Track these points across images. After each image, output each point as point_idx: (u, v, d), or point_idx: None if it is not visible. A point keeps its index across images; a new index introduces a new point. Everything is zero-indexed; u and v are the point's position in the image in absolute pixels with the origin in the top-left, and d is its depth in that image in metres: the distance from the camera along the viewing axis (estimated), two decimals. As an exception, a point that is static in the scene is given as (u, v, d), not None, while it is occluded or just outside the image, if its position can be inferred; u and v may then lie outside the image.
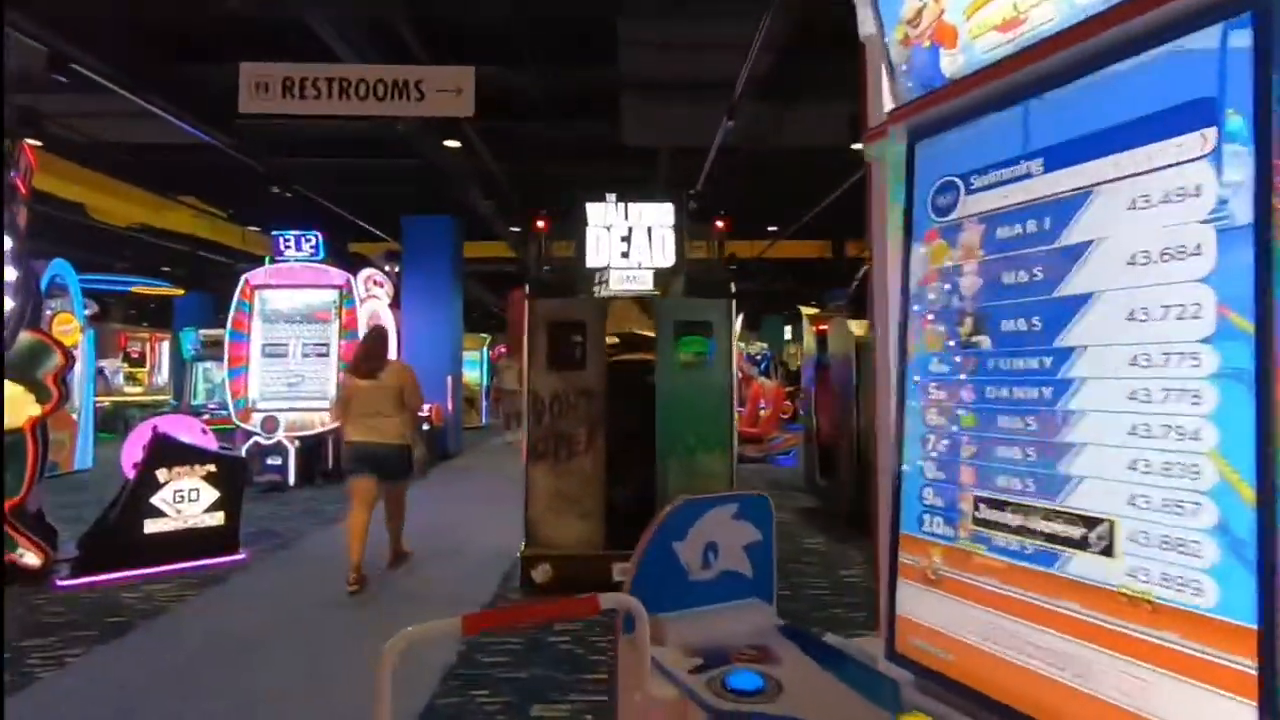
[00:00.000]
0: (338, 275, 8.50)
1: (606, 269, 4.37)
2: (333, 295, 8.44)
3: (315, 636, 3.41)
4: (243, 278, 8.43)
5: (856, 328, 6.02)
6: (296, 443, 7.81)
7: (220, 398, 12.60)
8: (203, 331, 12.99)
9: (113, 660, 3.15)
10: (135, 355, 16.36)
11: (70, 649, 3.23)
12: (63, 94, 8.57)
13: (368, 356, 4.34)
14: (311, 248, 8.57)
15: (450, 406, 10.39)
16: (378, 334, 4.62)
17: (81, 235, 13.24)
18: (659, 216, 4.42)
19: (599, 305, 4.24)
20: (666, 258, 4.40)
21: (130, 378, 15.79)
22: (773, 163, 11.82)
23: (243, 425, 7.90)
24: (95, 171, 11.95)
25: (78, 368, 8.32)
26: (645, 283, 4.38)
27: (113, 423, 13.57)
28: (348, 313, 8.39)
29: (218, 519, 4.72)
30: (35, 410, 4.31)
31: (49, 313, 8.74)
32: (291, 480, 7.64)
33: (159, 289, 17.91)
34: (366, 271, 9.43)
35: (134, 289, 17.17)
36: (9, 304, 3.71)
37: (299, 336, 8.35)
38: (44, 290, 8.48)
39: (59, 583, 4.18)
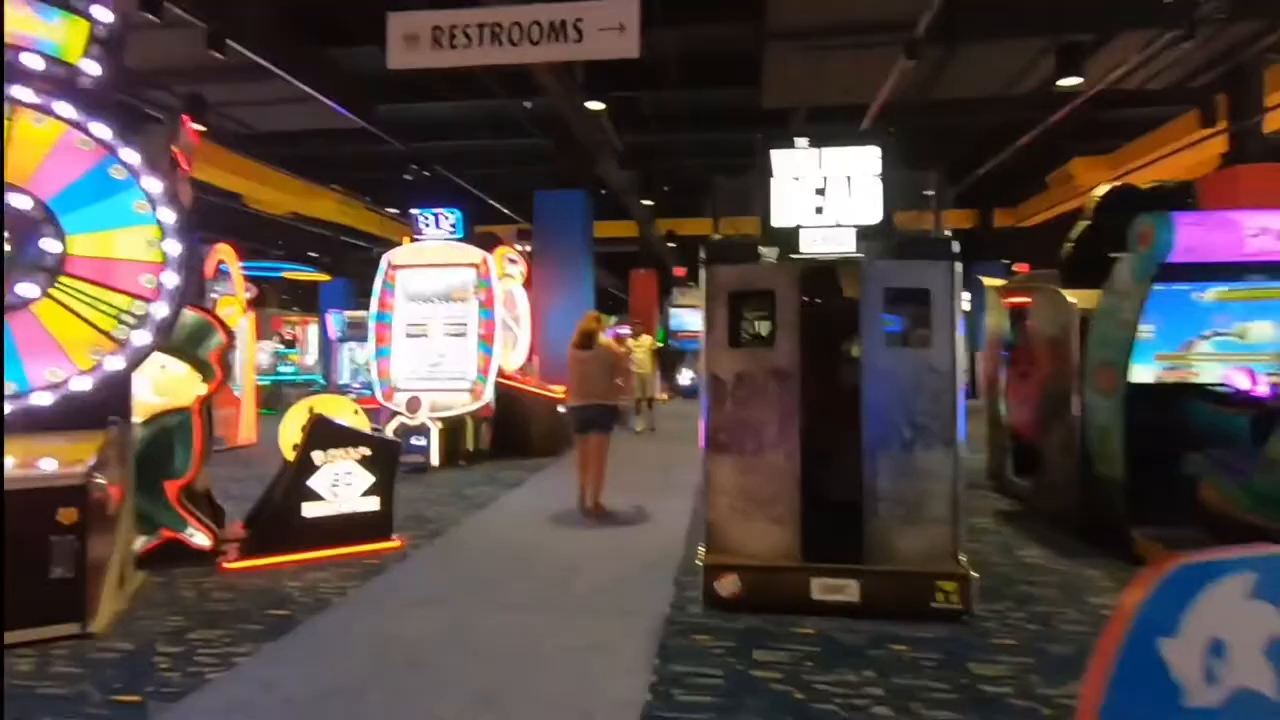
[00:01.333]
0: (475, 254, 8.32)
1: (796, 229, 3.68)
2: (471, 274, 8.27)
3: (485, 649, 3.02)
4: (384, 258, 8.43)
5: (1079, 298, 4.98)
6: (439, 423, 7.72)
7: (365, 377, 13.09)
8: (347, 313, 13.50)
9: (279, 665, 2.89)
10: (288, 337, 17.42)
11: (237, 646, 3.01)
12: (221, 83, 8.95)
13: (583, 333, 5.49)
14: (451, 225, 8.44)
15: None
16: (594, 315, 5.76)
17: (240, 223, 14.15)
18: (861, 163, 3.67)
19: (790, 271, 3.57)
20: (871, 212, 3.65)
21: (284, 358, 16.81)
22: (931, 124, 10.59)
23: (388, 405, 7.92)
24: (251, 161, 12.66)
25: (240, 348, 8.64)
26: (844, 243, 3.65)
27: (271, 400, 14.45)
28: (486, 292, 8.19)
29: (373, 504, 4.51)
30: (201, 389, 4.23)
31: (214, 296, 9.21)
32: (435, 461, 7.55)
33: (307, 274, 19.02)
34: (502, 249, 9.24)
35: (285, 274, 18.31)
36: (174, 279, 3.58)
37: (439, 316, 8.27)
38: (209, 274, 8.92)
39: (225, 565, 4.09)
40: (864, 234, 3.62)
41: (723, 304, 3.62)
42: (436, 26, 4.00)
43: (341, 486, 4.40)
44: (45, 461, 3.09)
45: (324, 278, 20.59)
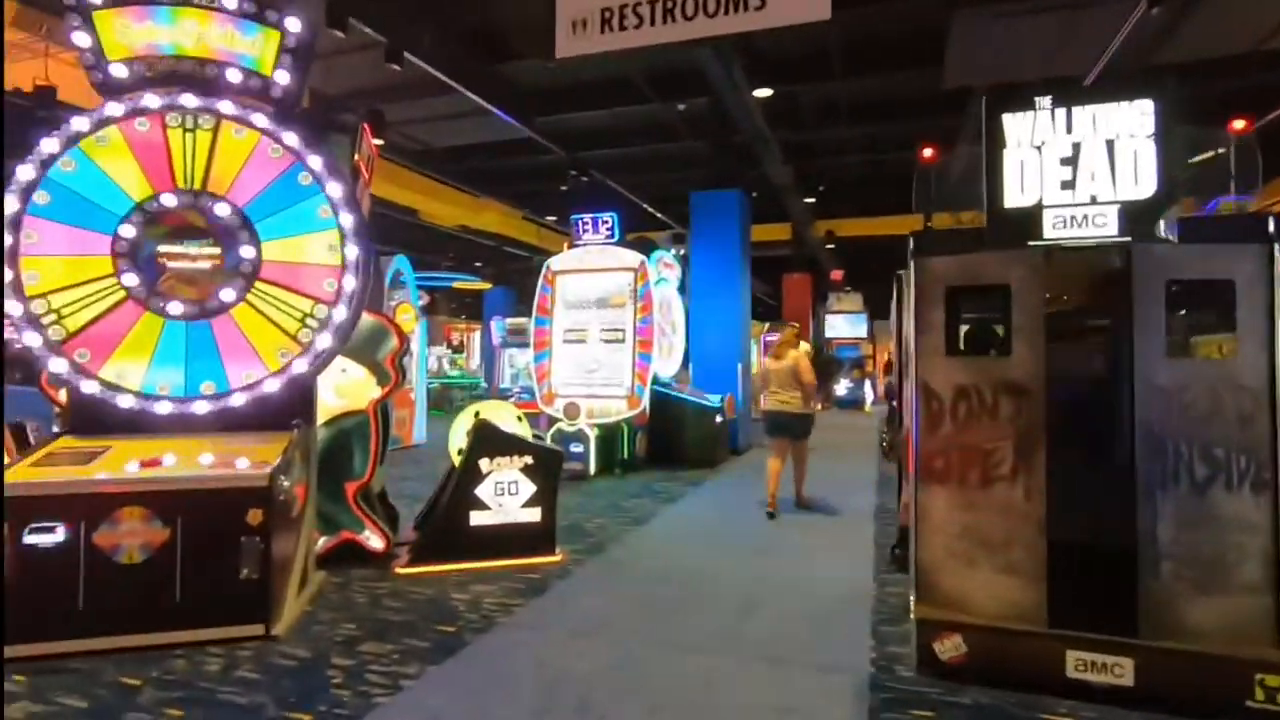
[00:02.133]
0: (632, 258, 8.13)
1: (1037, 207, 2.98)
2: (628, 279, 8.09)
3: (660, 699, 2.64)
4: (545, 263, 8.49)
5: None
6: (595, 430, 7.59)
7: (524, 381, 13.53)
8: (508, 320, 14.02)
9: (445, 693, 2.69)
10: (455, 343, 18.56)
11: (406, 666, 2.87)
12: (398, 101, 9.53)
13: (780, 343, 6.11)
14: (608, 229, 8.33)
15: (740, 397, 9.58)
16: (794, 329, 6.50)
17: (415, 236, 15.18)
18: (1127, 123, 2.90)
19: (1031, 261, 2.89)
20: (1141, 185, 2.86)
21: (452, 362, 17.91)
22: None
23: (546, 409, 7.93)
24: (425, 177, 13.51)
25: (413, 352, 9.05)
26: (1104, 225, 2.90)
27: (439, 401, 15.35)
28: (643, 297, 7.97)
29: (535, 515, 4.34)
30: (376, 392, 4.26)
31: (392, 304, 9.81)
32: (592, 469, 7.41)
33: (473, 284, 20.18)
34: (658, 254, 9.01)
35: (454, 284, 19.54)
36: (354, 283, 3.59)
37: (597, 322, 8.17)
38: (387, 283, 9.50)
39: (398, 569, 4.08)
40: (1134, 212, 2.84)
41: (938, 302, 3.00)
42: (606, 9, 3.77)
43: (506, 496, 4.26)
44: (240, 461, 3.15)
45: (487, 286, 21.78)
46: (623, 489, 6.84)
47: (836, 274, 19.08)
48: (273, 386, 3.49)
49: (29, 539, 2.80)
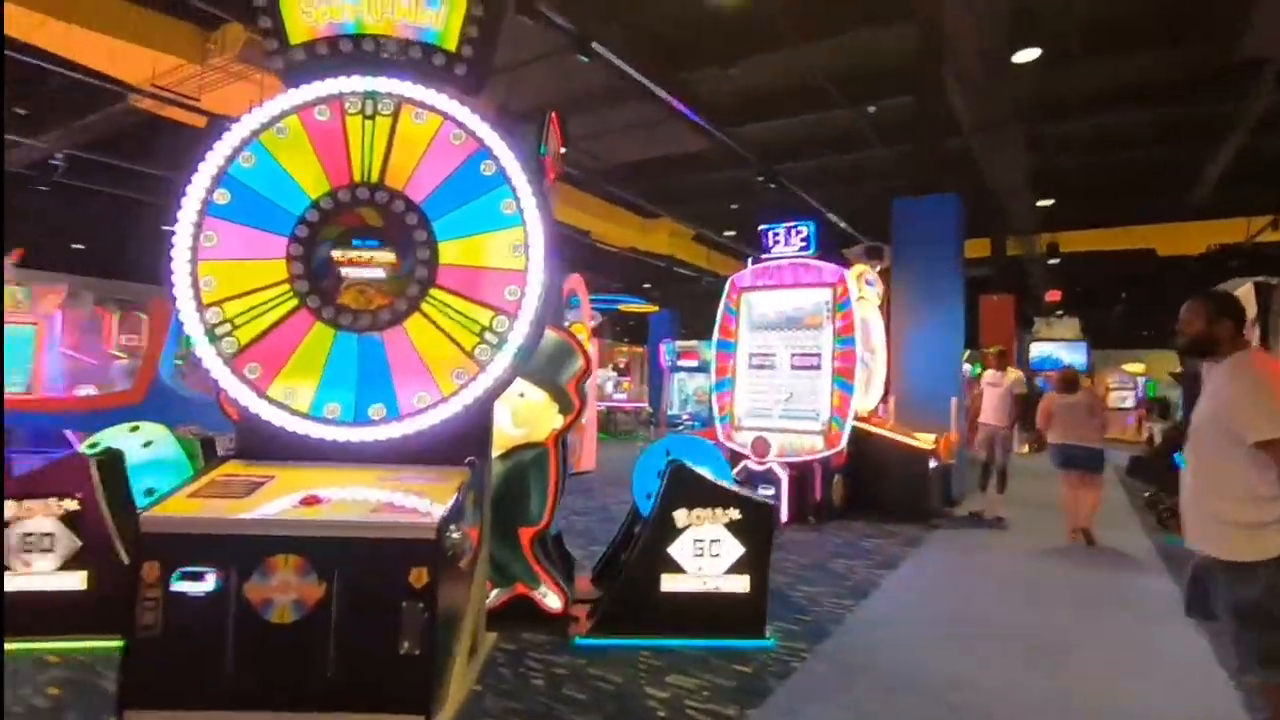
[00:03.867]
0: (831, 272, 7.08)
1: None
2: (825, 296, 7.04)
3: None
4: (729, 280, 7.67)
5: None
6: (788, 470, 6.58)
7: (694, 408, 12.83)
8: (679, 343, 13.41)
9: None
10: (621, 366, 18.33)
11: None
12: (571, 115, 9.32)
13: (1065, 379, 6.44)
14: (802, 240, 7.34)
15: (956, 438, 8.07)
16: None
17: (586, 257, 15.14)
18: None
19: None
20: None
21: (617, 385, 17.64)
22: None
23: (729, 444, 7.05)
24: (597, 199, 13.38)
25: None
26: None
27: (605, 425, 15.04)
28: (843, 316, 6.88)
29: (741, 584, 3.45)
30: (558, 421, 3.64)
31: (566, 325, 9.53)
32: (783, 516, 6.40)
33: (639, 306, 19.99)
34: (858, 268, 7.88)
35: (620, 307, 19.45)
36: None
37: (787, 345, 7.19)
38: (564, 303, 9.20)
39: (577, 636, 3.37)
40: None
41: None
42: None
43: (706, 557, 3.43)
44: (405, 502, 2.59)
45: (653, 309, 21.52)
46: (823, 544, 5.76)
47: (1054, 294, 16.47)
48: (446, 413, 2.93)
49: (178, 586, 2.37)
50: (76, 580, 3.26)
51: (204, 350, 2.90)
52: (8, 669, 2.96)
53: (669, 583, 3.40)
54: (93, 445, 3.72)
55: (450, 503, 2.56)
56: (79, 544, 3.28)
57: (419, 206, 3.01)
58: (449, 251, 3.01)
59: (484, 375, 2.95)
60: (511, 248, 3.03)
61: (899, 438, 7.31)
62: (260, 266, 2.93)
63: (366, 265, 2.99)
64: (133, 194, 10.02)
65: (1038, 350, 19.56)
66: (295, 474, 2.80)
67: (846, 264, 8.08)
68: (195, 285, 2.89)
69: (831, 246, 10.17)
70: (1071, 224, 13.48)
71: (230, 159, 2.96)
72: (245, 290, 2.91)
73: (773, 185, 10.05)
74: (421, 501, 2.59)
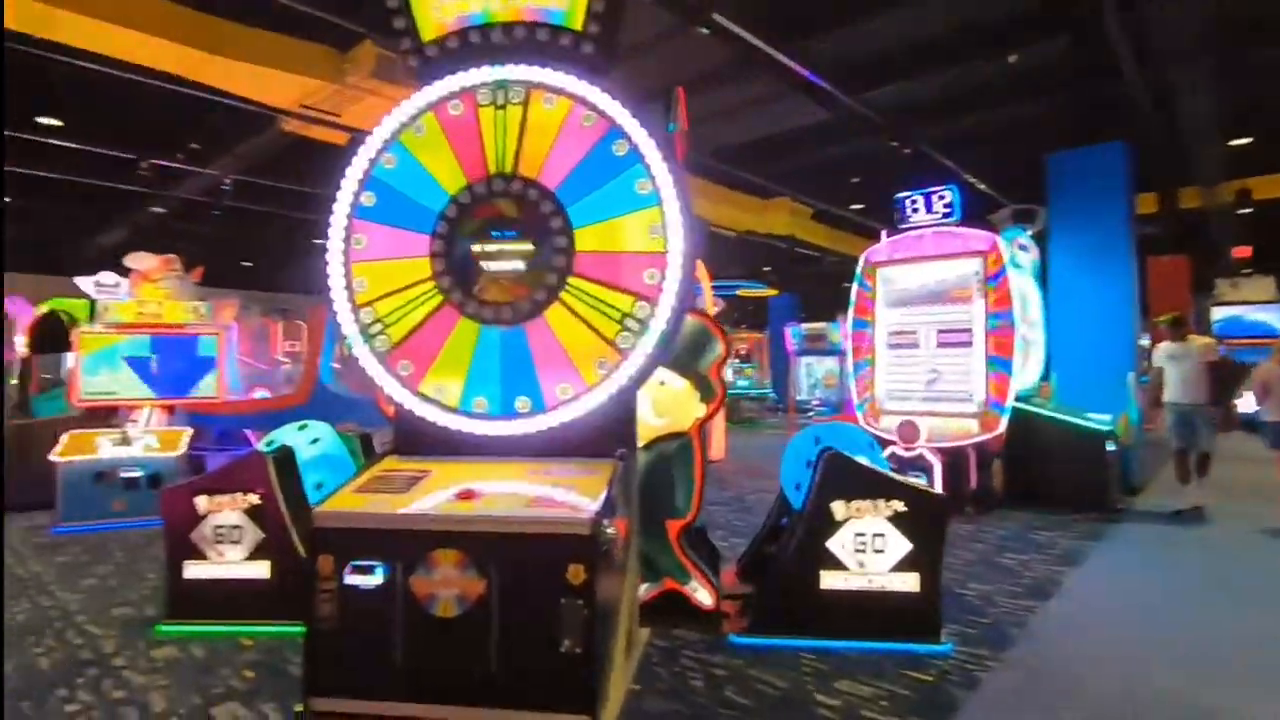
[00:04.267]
0: (980, 240, 6.44)
1: None
2: (973, 266, 6.41)
3: None
4: (863, 256, 7.19)
5: None
6: (939, 457, 6.07)
7: (823, 393, 12.31)
8: (805, 326, 12.89)
9: None
10: (741, 353, 17.94)
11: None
12: (696, 95, 9.11)
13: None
14: (945, 206, 6.73)
15: (1133, 417, 7.14)
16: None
17: (704, 244, 14.93)
18: None
19: None
20: None
21: (739, 372, 17.30)
22: None
23: (871, 429, 6.61)
24: (712, 184, 13.08)
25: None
26: None
27: (729, 413, 14.78)
28: (996, 287, 6.23)
29: (909, 582, 3.14)
30: (700, 409, 3.47)
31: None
32: (937, 506, 5.90)
33: (758, 291, 19.51)
34: (1011, 234, 7.14)
35: (739, 292, 19.04)
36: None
37: (931, 321, 6.64)
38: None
39: (732, 634, 3.21)
40: None
41: None
42: None
43: (869, 553, 3.15)
44: (557, 495, 2.53)
45: (773, 293, 20.92)
46: (988, 537, 5.25)
47: (1243, 250, 14.30)
48: (590, 404, 2.85)
49: (351, 579, 2.44)
50: (262, 569, 3.51)
51: (360, 349, 2.99)
52: (211, 649, 3.23)
53: (829, 579, 3.16)
54: (269, 443, 4.00)
55: (602, 496, 2.47)
56: (262, 535, 3.52)
57: (553, 194, 2.94)
58: (586, 238, 2.91)
59: (627, 363, 2.84)
60: (649, 229, 2.90)
61: (1069, 419, 6.56)
62: (407, 265, 2.98)
63: (505, 258, 2.97)
64: (289, 212, 10.95)
65: (1220, 315, 17.07)
66: (450, 468, 2.83)
67: (994, 230, 7.34)
68: (349, 287, 2.98)
69: (974, 213, 9.36)
70: (1269, 166, 11.58)
71: (374, 161, 3.03)
72: (394, 289, 2.97)
73: (907, 151, 9.34)
74: (573, 495, 2.52)
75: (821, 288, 21.02)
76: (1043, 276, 7.69)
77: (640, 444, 3.38)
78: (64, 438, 6.16)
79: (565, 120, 2.96)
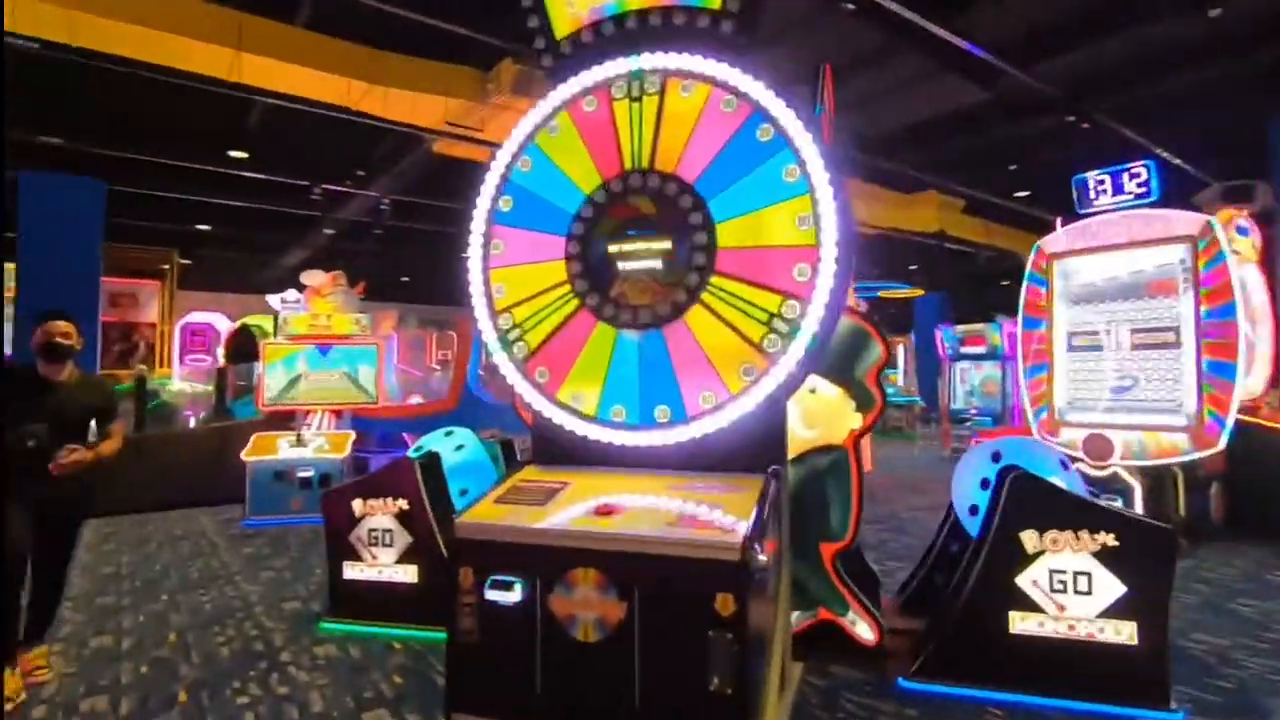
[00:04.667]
0: (1186, 221, 5.46)
1: None
2: (1178, 253, 5.45)
3: None
4: (1036, 246, 6.37)
5: None
6: (1139, 478, 5.20)
7: (982, 401, 11.19)
8: (959, 327, 11.82)
9: None
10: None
11: None
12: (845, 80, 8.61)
13: None
14: (1140, 185, 5.80)
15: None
16: None
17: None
18: None
19: None
20: None
21: (885, 379, 16.21)
22: None
23: (1049, 440, 5.81)
24: (855, 181, 12.35)
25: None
26: None
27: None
28: (1211, 276, 5.25)
29: (1124, 633, 2.60)
30: (856, 420, 3.12)
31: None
32: (1138, 533, 5.04)
33: (901, 292, 18.25)
34: (1224, 214, 6.04)
35: (881, 294, 17.89)
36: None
37: (1123, 319, 5.73)
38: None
39: (901, 680, 2.82)
40: None
41: None
42: None
43: (1070, 593, 2.64)
44: (702, 514, 2.32)
45: (918, 293, 19.52)
46: (1212, 577, 4.39)
47: None
48: (735, 413, 2.60)
49: (491, 594, 2.36)
50: (410, 573, 3.59)
51: (499, 356, 2.95)
52: (365, 650, 3.32)
53: (1021, 623, 2.69)
54: (417, 449, 4.12)
55: (752, 517, 2.22)
56: (410, 540, 3.60)
57: (692, 187, 2.73)
58: (728, 233, 2.68)
59: (775, 369, 2.57)
60: (796, 220, 2.61)
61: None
62: (543, 269, 2.90)
63: (643, 257, 2.80)
64: (441, 228, 11.67)
65: None
66: (588, 480, 2.70)
67: (1203, 212, 6.23)
68: (488, 294, 2.95)
69: (1172, 194, 8.09)
70: None
71: (510, 166, 2.99)
72: (531, 294, 2.90)
73: (1085, 126, 8.26)
74: (720, 515, 2.28)
75: (973, 286, 19.32)
76: (1268, 263, 6.44)
77: (790, 458, 3.09)
78: (252, 439, 6.81)
79: (704, 107, 2.75)
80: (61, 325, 3.20)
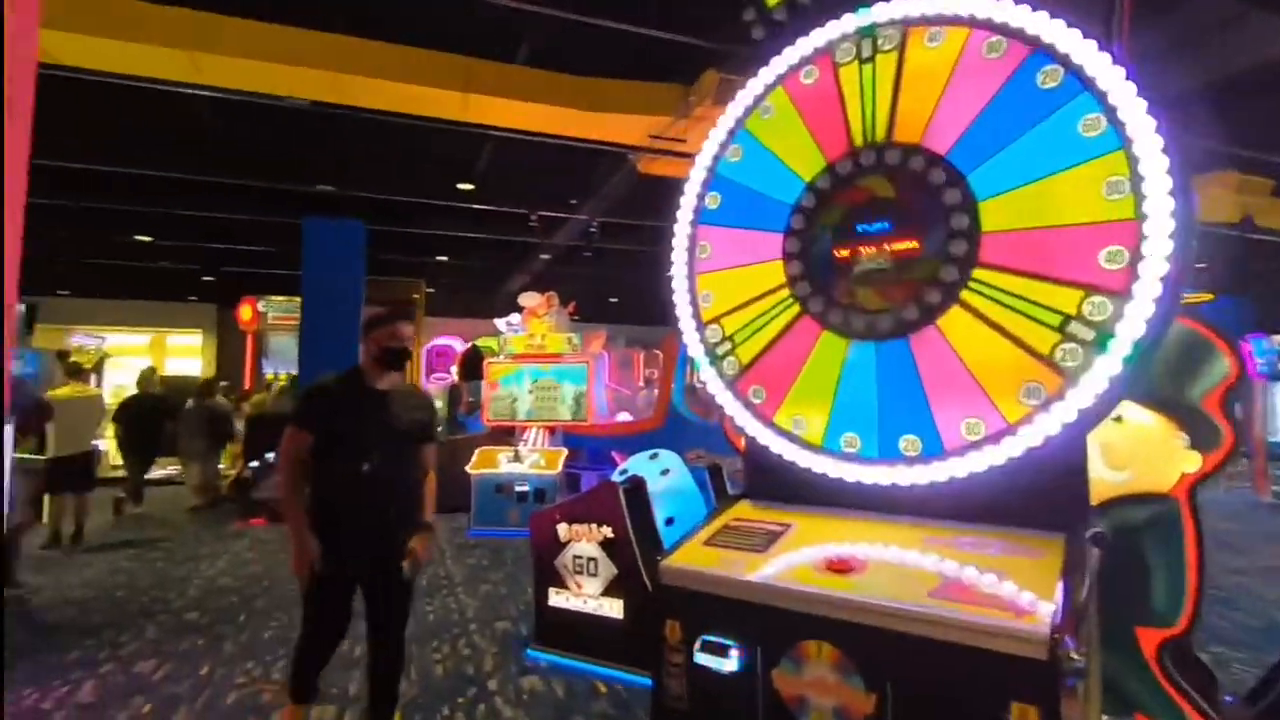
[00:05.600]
0: None
1: None
2: None
3: None
4: None
5: None
6: None
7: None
8: (1277, 338, 9.24)
9: None
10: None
11: None
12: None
13: None
14: None
15: None
16: None
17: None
18: None
19: None
20: None
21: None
22: None
23: None
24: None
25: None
26: None
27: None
28: None
29: None
30: (1189, 461, 2.28)
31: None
32: None
33: (1188, 296, 14.98)
34: None
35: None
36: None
37: None
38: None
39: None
40: None
41: None
42: None
43: None
44: (975, 578, 1.74)
45: (1208, 297, 15.92)
46: None
47: None
48: (1014, 448, 1.97)
49: (702, 659, 1.99)
50: (615, 607, 3.35)
51: (707, 373, 2.60)
52: (569, 687, 3.14)
53: None
54: (621, 472, 3.92)
55: (1058, 595, 1.60)
56: (615, 571, 3.38)
57: (944, 159, 2.16)
58: (997, 212, 2.07)
59: (1075, 390, 1.90)
60: (1103, 187, 1.93)
61: None
62: (756, 272, 2.50)
63: (879, 251, 2.28)
64: (645, 248, 11.85)
65: None
66: (814, 523, 2.23)
67: None
68: (694, 302, 2.62)
69: None
70: None
71: (717, 158, 2.64)
72: (743, 301, 2.51)
73: None
74: (1008, 587, 1.69)
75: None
76: None
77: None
78: (476, 452, 7.24)
79: (959, 57, 2.17)
80: (410, 328, 2.81)
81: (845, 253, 2.32)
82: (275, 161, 8.76)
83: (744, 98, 2.57)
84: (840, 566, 1.90)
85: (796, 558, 2.05)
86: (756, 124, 2.56)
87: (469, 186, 9.88)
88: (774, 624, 1.88)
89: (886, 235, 2.25)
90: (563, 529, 3.55)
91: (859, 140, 2.33)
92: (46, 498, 7.04)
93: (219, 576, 5.67)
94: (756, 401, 2.47)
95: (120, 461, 9.64)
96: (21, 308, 13.44)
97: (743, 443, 2.67)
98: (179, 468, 10.37)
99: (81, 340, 12.69)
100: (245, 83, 6.47)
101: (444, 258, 14.22)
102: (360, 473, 2.54)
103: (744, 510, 2.46)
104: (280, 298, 12.33)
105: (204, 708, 3.16)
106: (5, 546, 5.22)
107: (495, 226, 11.28)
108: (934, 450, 2.10)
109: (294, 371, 11.14)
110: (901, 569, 1.87)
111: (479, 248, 12.76)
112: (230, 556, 6.38)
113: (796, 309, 2.39)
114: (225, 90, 6.56)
